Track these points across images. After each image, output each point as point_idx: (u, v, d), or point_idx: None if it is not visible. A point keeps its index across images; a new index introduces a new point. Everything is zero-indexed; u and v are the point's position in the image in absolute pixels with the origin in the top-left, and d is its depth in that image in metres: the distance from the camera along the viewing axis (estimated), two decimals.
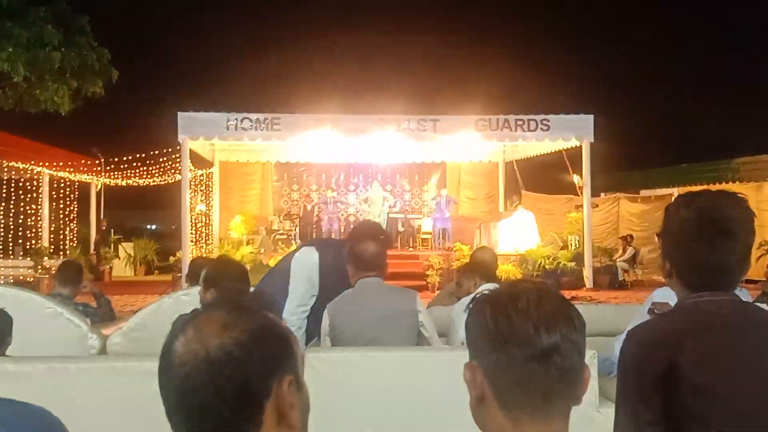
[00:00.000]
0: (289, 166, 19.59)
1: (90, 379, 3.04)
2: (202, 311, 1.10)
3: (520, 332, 1.12)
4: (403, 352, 3.08)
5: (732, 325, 1.53)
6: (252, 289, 4.01)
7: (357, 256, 3.46)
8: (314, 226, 18.77)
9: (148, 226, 29.32)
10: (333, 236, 16.71)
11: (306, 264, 3.81)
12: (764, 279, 10.14)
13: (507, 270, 14.92)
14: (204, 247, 17.17)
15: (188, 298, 4.27)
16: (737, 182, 15.66)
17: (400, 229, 19.01)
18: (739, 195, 1.63)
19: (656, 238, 1.71)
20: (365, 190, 19.79)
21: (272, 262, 13.21)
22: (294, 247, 14.53)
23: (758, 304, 1.76)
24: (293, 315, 3.73)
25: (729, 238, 1.56)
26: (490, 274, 4.05)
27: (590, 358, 3.20)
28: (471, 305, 1.23)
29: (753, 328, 1.53)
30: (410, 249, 18.05)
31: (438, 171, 20.32)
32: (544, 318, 1.13)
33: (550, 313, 1.13)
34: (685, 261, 1.61)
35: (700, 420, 1.45)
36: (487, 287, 3.76)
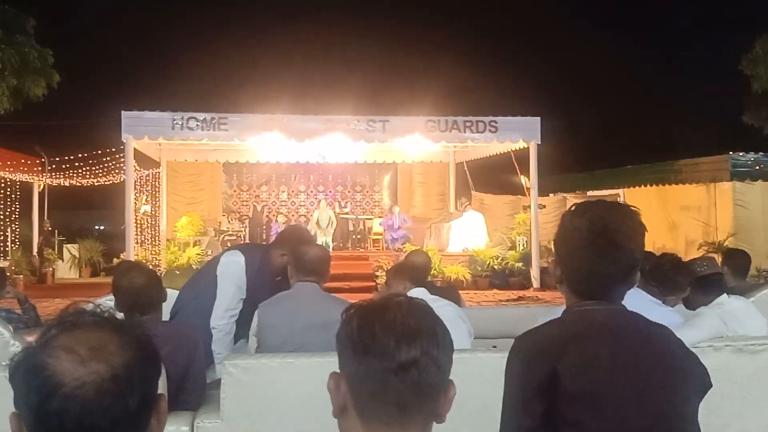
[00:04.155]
0: (238, 167, 19.39)
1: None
2: (71, 325, 1.05)
3: (381, 344, 1.13)
4: (323, 359, 3.05)
5: (613, 334, 1.54)
6: (176, 293, 3.95)
7: (298, 259, 3.44)
8: (264, 226, 18.59)
9: (96, 227, 28.70)
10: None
11: (232, 268, 3.78)
12: None
13: (456, 270, 15.02)
14: (150, 248, 16.86)
15: (111, 304, 4.18)
16: (680, 183, 16.01)
17: (351, 229, 18.98)
18: (632, 208, 1.64)
19: (551, 246, 1.71)
20: (316, 190, 19.71)
21: None
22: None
23: None
24: (221, 320, 3.69)
25: (616, 248, 1.57)
26: (420, 277, 4.04)
27: None
28: (343, 314, 1.24)
29: (634, 337, 1.55)
30: (360, 250, 18.01)
31: (389, 171, 20.33)
32: (407, 332, 1.14)
33: (414, 328, 1.15)
34: (574, 268, 1.62)
35: (577, 427, 1.45)
36: (416, 291, 3.74)
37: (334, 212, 18.57)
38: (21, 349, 1.04)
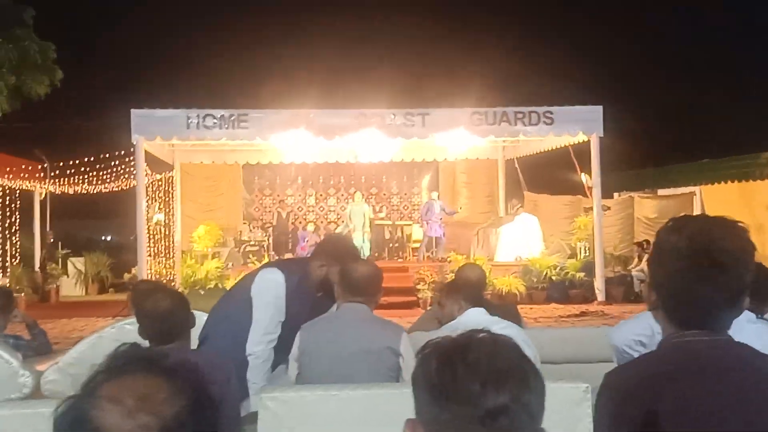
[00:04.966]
0: (260, 168, 19.56)
1: (11, 429, 2.99)
2: (118, 371, 1.08)
3: (464, 389, 1.13)
4: (370, 390, 3.05)
5: (718, 370, 1.52)
6: (204, 316, 3.99)
7: (345, 277, 3.46)
8: (290, 235, 18.73)
9: (103, 238, 29.18)
10: (308, 248, 16.70)
11: (270, 287, 3.78)
12: None
13: (508, 282, 14.95)
14: (164, 261, 17.08)
15: (132, 328, 4.23)
16: (766, 179, 15.74)
17: (387, 237, 18.99)
18: (739, 224, 1.60)
19: (645, 266, 1.70)
20: (347, 194, 19.76)
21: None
22: (265, 260, 14.50)
23: None
24: (259, 345, 3.70)
25: (721, 271, 1.54)
26: (477, 296, 4.02)
27: (584, 392, 3.18)
28: (419, 353, 1.24)
29: (743, 373, 1.52)
30: (399, 260, 18.01)
31: (430, 171, 20.33)
32: (495, 375, 1.13)
33: (502, 370, 1.14)
34: (672, 294, 1.60)
35: None
36: (473, 312, 3.73)
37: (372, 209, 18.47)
38: (65, 399, 1.06)
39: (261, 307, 3.73)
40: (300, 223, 19.35)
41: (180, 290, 13.24)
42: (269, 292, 3.75)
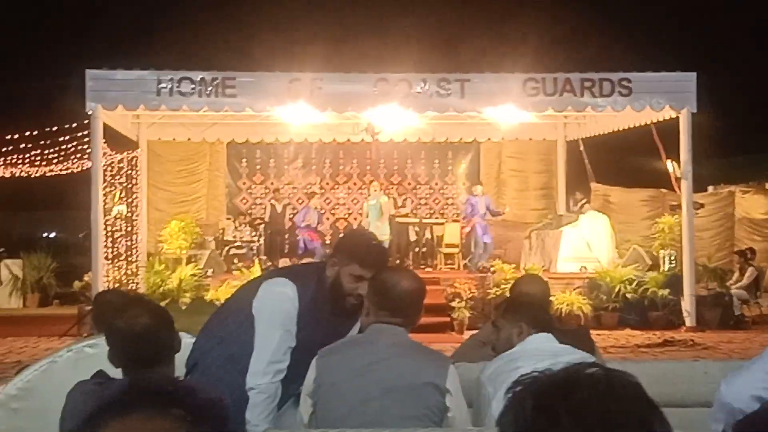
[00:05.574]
0: (249, 149, 19.66)
1: None
2: (120, 407, 1.09)
3: None
4: None
5: None
6: (188, 338, 4.00)
7: (380, 291, 3.45)
8: (287, 234, 18.75)
9: (45, 235, 29.39)
10: (314, 250, 16.75)
11: (278, 303, 3.76)
12: None
13: (569, 300, 14.90)
14: (124, 266, 17.15)
15: (95, 351, 4.24)
16: None
17: (413, 239, 18.95)
18: None
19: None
20: (361, 182, 19.75)
21: (223, 293, 13.14)
22: (255, 269, 14.49)
23: None
24: (263, 377, 3.68)
25: None
26: (542, 317, 3.97)
27: None
28: (509, 392, 1.24)
29: None
30: (427, 269, 17.99)
31: (468, 154, 20.32)
32: (607, 424, 1.14)
33: (618, 418, 1.14)
34: None
35: None
36: (538, 338, 3.71)
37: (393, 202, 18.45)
38: None
39: (266, 329, 3.71)
40: (299, 203, 19.25)
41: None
42: (277, 310, 3.73)
